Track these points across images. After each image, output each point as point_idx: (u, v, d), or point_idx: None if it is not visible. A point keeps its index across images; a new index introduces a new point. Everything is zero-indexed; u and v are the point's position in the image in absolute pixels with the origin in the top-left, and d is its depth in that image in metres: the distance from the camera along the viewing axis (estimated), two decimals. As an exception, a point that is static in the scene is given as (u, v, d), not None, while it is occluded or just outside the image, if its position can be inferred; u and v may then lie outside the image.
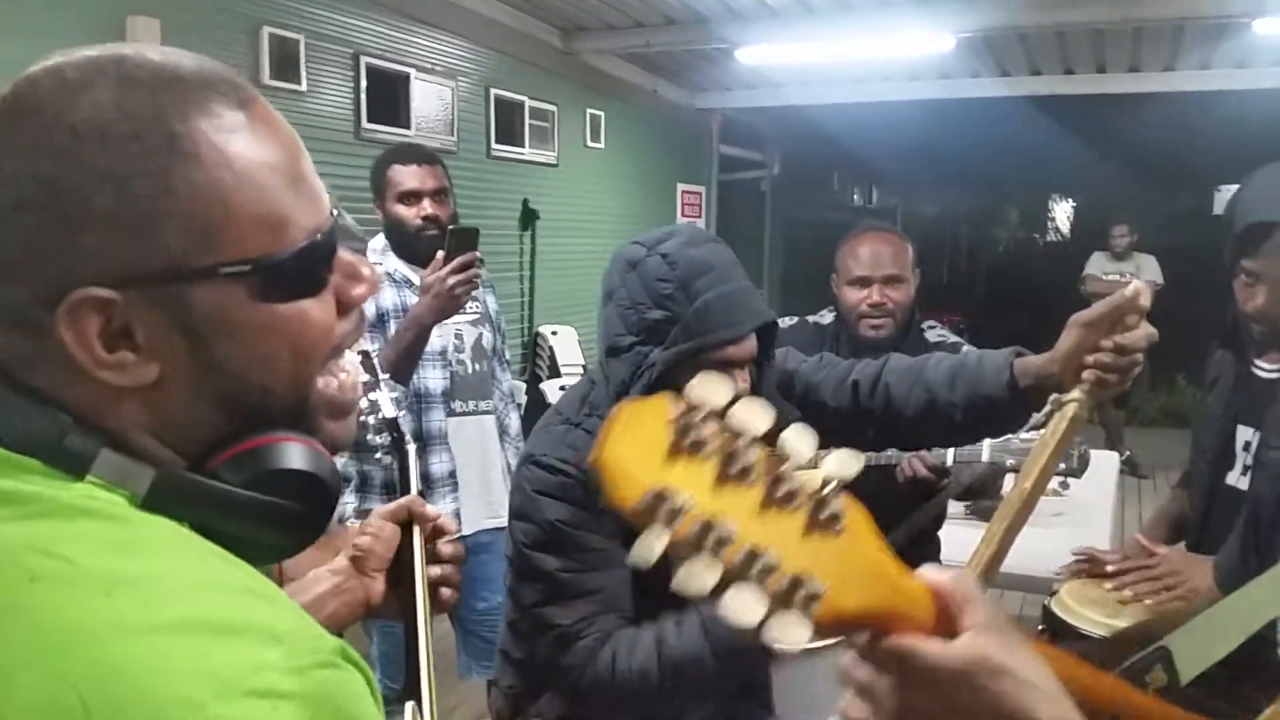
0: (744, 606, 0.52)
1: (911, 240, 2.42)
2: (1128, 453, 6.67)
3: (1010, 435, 2.13)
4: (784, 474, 0.55)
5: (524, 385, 5.46)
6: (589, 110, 6.40)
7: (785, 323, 2.43)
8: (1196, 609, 1.18)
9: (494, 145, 5.40)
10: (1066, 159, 10.83)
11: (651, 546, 0.51)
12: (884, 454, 2.16)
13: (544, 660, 1.48)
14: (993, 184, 13.75)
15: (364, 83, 4.36)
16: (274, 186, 0.62)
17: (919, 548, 2.27)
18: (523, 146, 5.66)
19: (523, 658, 1.60)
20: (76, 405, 0.59)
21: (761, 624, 0.52)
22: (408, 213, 2.50)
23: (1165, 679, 0.96)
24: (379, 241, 2.58)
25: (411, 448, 1.35)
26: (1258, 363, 1.79)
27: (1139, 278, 6.61)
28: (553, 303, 5.98)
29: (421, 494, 1.27)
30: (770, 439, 0.55)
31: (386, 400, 1.37)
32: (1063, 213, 16.30)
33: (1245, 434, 1.78)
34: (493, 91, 5.36)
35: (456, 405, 2.58)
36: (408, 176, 2.51)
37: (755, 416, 0.54)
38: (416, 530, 1.15)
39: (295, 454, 0.65)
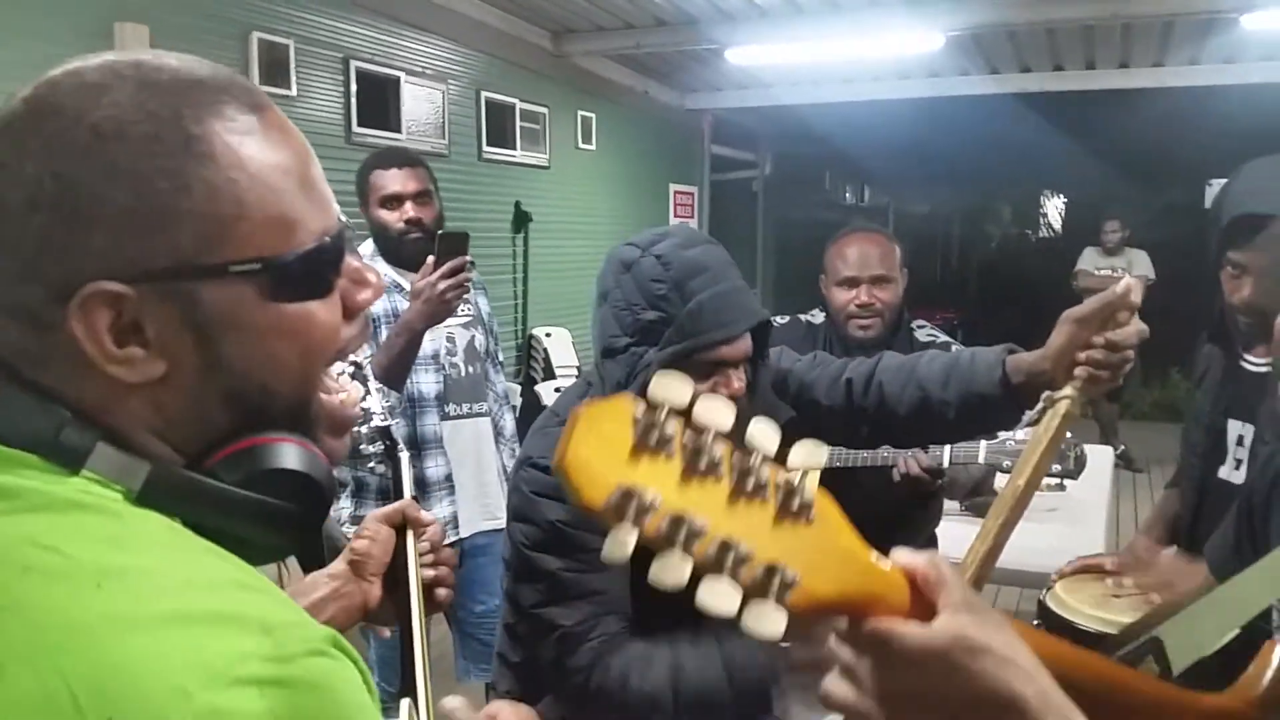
0: (719, 597, 0.53)
1: (899, 240, 2.42)
2: (1122, 447, 6.70)
3: (1006, 436, 2.14)
4: (751, 466, 0.55)
5: (519, 387, 5.46)
6: (580, 112, 6.41)
7: (777, 321, 2.43)
8: (1190, 601, 1.18)
9: (485, 148, 5.40)
10: (1057, 155, 10.85)
11: (623, 543, 0.51)
12: (879, 453, 2.17)
13: (547, 662, 1.48)
14: (984, 181, 13.77)
15: (354, 87, 4.36)
16: (285, 189, 0.63)
17: (917, 546, 2.28)
18: (514, 149, 5.66)
19: (520, 661, 1.60)
20: (82, 401, 0.60)
21: (738, 614, 0.53)
22: (390, 217, 2.49)
23: (1157, 670, 0.96)
24: (367, 247, 2.58)
25: (405, 455, 1.35)
26: (1246, 357, 1.80)
27: (1131, 273, 6.69)
28: (546, 305, 5.98)
29: (416, 499, 1.27)
30: (735, 435, 0.56)
31: (379, 408, 1.37)
32: (1054, 209, 16.33)
33: (1236, 428, 1.79)
34: (483, 94, 5.36)
35: (450, 409, 2.58)
36: (389, 180, 2.51)
37: (718, 413, 0.55)
38: (410, 534, 1.16)
39: (290, 454, 0.66)
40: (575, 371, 5.62)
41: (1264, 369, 1.75)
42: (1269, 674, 0.76)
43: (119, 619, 0.51)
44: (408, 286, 2.44)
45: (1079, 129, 9.59)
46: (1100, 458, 3.76)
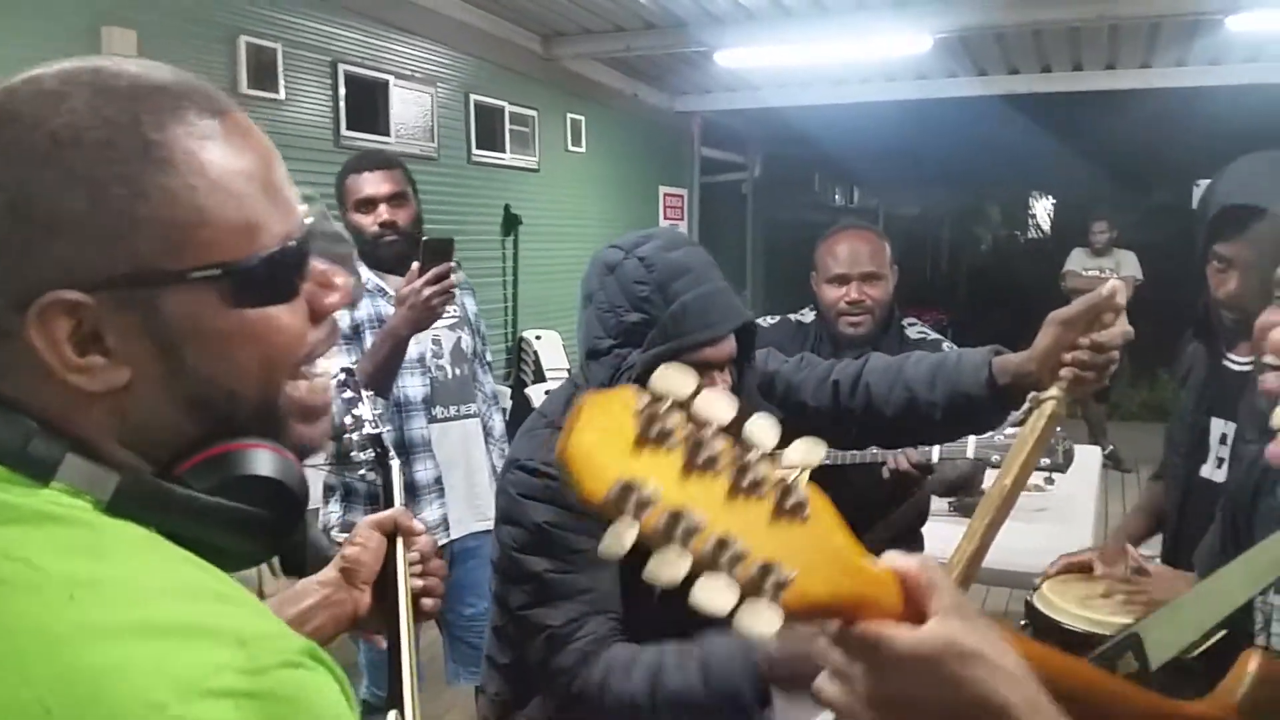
0: (715, 594, 0.52)
1: (890, 238, 2.43)
2: (1111, 447, 6.72)
3: (995, 433, 2.15)
4: (749, 463, 0.55)
5: (509, 390, 5.45)
6: (569, 115, 6.41)
7: (767, 321, 2.44)
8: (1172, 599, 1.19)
9: (474, 151, 5.40)
10: (1045, 157, 10.89)
11: (622, 537, 0.51)
12: (867, 452, 2.17)
13: (535, 663, 1.48)
14: (973, 183, 13.82)
15: (342, 90, 4.35)
16: (247, 194, 0.63)
17: (904, 545, 2.28)
18: (503, 152, 5.66)
19: (509, 663, 1.60)
20: (45, 411, 0.60)
21: (733, 612, 0.52)
22: (365, 220, 2.47)
23: (1136, 665, 0.96)
24: None
25: (395, 463, 1.35)
26: (1229, 355, 1.80)
27: (1119, 273, 6.71)
28: (536, 307, 5.98)
29: (405, 505, 1.27)
30: (734, 429, 0.55)
31: (370, 415, 1.37)
32: (1043, 210, 16.40)
33: (1219, 427, 1.79)
34: (472, 97, 5.36)
35: (438, 411, 2.57)
36: (362, 184, 2.50)
37: (719, 406, 0.54)
38: (400, 541, 1.16)
39: (262, 460, 0.65)
40: (565, 374, 5.61)
41: (1246, 367, 1.75)
42: (1245, 683, 0.77)
43: (92, 629, 0.51)
44: (390, 290, 2.43)
45: (1067, 130, 9.63)
46: (1088, 457, 3.78)
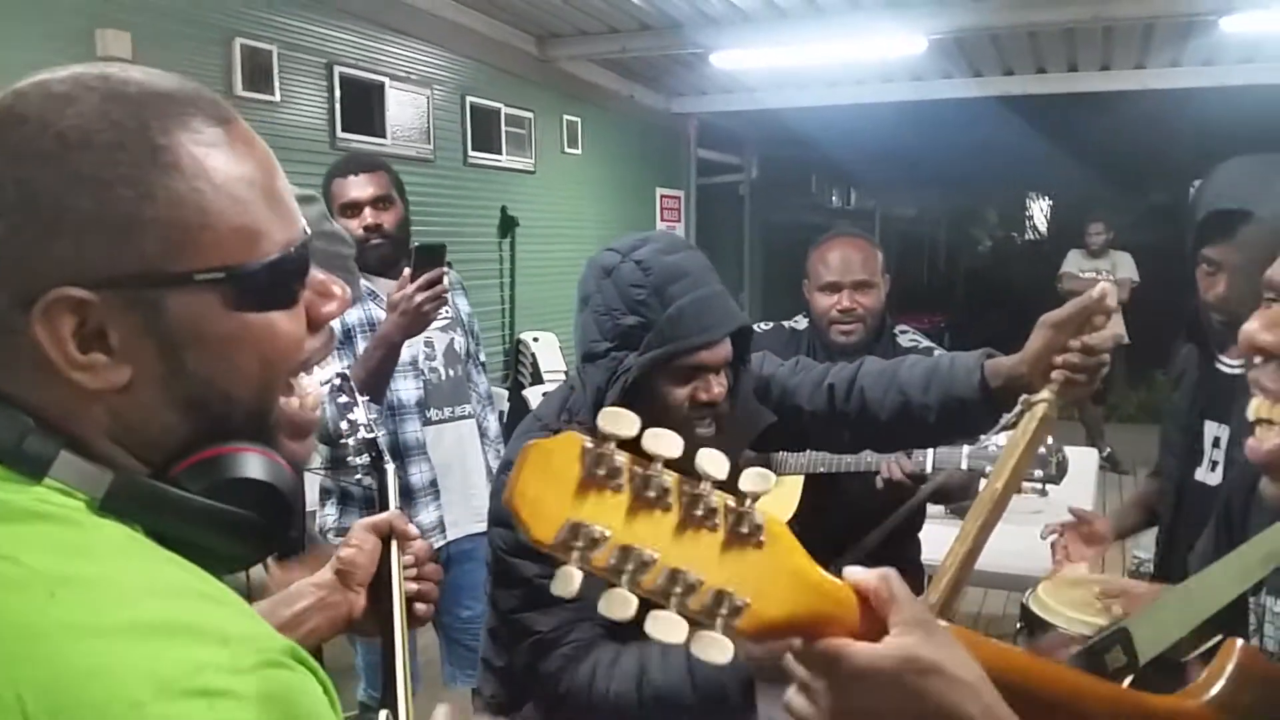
0: (667, 627, 0.54)
1: (886, 243, 2.43)
2: (1108, 449, 6.71)
3: (988, 442, 2.15)
4: (700, 494, 0.56)
5: (506, 392, 5.45)
6: (565, 116, 6.41)
7: (761, 328, 2.44)
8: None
9: (471, 153, 5.40)
10: (1041, 158, 10.90)
11: (570, 578, 0.52)
12: (862, 458, 2.17)
13: (522, 666, 1.48)
14: (969, 184, 13.83)
15: (338, 92, 4.35)
16: (250, 200, 0.64)
17: (900, 548, 2.28)
18: (500, 154, 5.66)
19: (504, 666, 1.60)
20: (44, 409, 0.61)
21: (688, 641, 0.54)
22: (350, 224, 2.46)
23: (1124, 660, 0.96)
24: None
25: (390, 467, 1.35)
26: (1221, 358, 1.80)
27: (1115, 275, 6.71)
28: (534, 309, 5.98)
29: (401, 508, 1.27)
30: (683, 465, 0.57)
31: (365, 420, 1.37)
32: (1039, 211, 16.42)
33: (1213, 429, 1.79)
34: (468, 99, 5.36)
35: (432, 414, 2.57)
36: (347, 188, 2.49)
37: (666, 443, 0.55)
38: (395, 544, 1.16)
39: (254, 464, 0.66)
40: (563, 376, 5.61)
41: (1239, 370, 1.75)
42: (1226, 673, 0.77)
43: (74, 628, 0.51)
44: (381, 294, 2.43)
45: (1062, 131, 9.64)
46: (1084, 460, 3.78)
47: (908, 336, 2.40)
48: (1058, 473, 2.20)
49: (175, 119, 0.62)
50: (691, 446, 0.56)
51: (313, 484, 2.55)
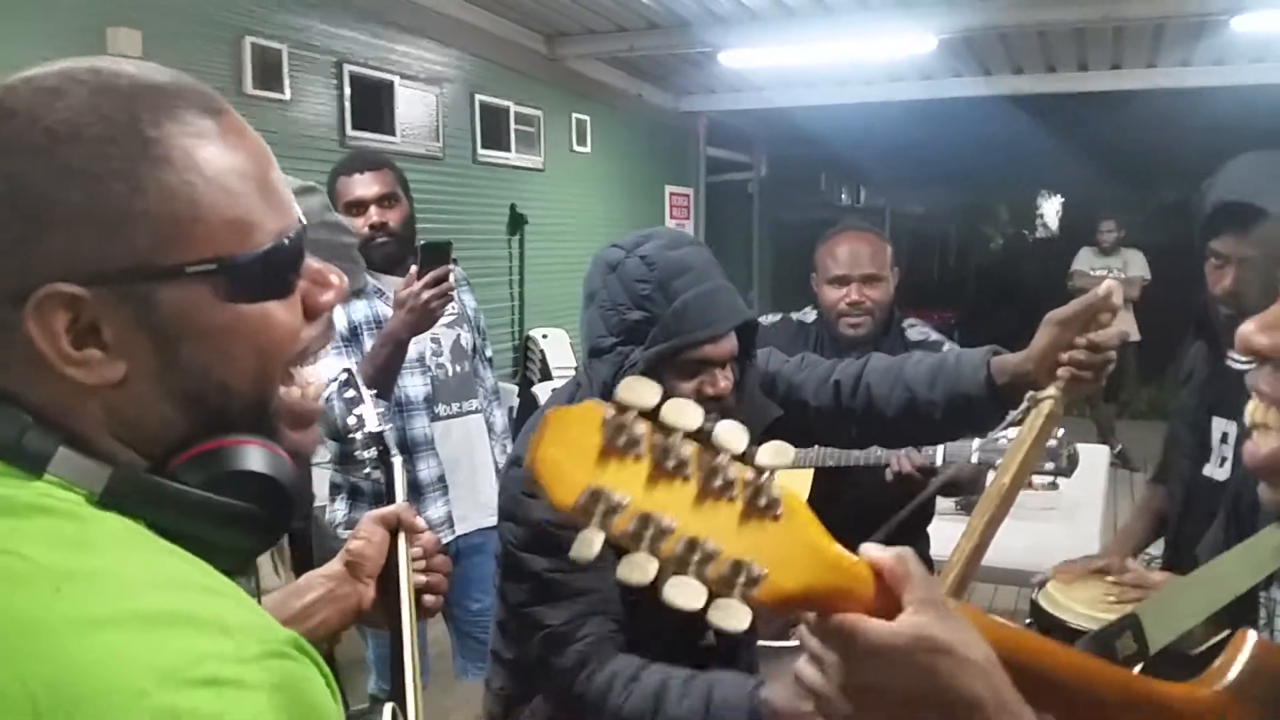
0: (686, 593, 0.54)
1: (896, 240, 2.43)
2: (1120, 446, 6.68)
3: (998, 436, 2.15)
4: (719, 465, 0.56)
5: (516, 389, 5.46)
6: (574, 115, 6.42)
7: (769, 320, 2.44)
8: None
9: (480, 151, 5.41)
10: (1052, 156, 10.88)
11: (590, 542, 0.53)
12: (872, 452, 2.17)
13: (534, 660, 1.48)
14: (980, 182, 13.81)
15: (348, 90, 4.36)
16: (242, 191, 0.63)
17: (908, 543, 2.28)
18: (509, 151, 5.67)
19: (513, 658, 1.60)
20: (40, 405, 0.60)
21: (705, 609, 0.54)
22: (356, 224, 2.45)
23: (1134, 647, 0.96)
24: None
25: (398, 460, 1.35)
26: (1230, 354, 1.80)
27: (1126, 273, 6.68)
28: (543, 306, 5.99)
29: (409, 504, 1.28)
30: (702, 436, 0.57)
31: (372, 415, 1.37)
32: (1051, 209, 16.37)
33: (1221, 426, 1.79)
34: (477, 97, 5.37)
35: (440, 409, 2.58)
36: (351, 186, 2.49)
37: (686, 414, 0.56)
38: (403, 537, 1.16)
39: (254, 456, 0.66)
40: (572, 372, 5.60)
41: (1247, 366, 1.74)
42: (1240, 662, 0.76)
43: (78, 621, 0.51)
44: (388, 291, 2.43)
45: (1074, 130, 9.62)
46: (1095, 456, 3.77)
47: (916, 330, 2.39)
48: (1069, 465, 2.20)
49: (166, 111, 0.62)
50: None
51: (322, 479, 2.56)
